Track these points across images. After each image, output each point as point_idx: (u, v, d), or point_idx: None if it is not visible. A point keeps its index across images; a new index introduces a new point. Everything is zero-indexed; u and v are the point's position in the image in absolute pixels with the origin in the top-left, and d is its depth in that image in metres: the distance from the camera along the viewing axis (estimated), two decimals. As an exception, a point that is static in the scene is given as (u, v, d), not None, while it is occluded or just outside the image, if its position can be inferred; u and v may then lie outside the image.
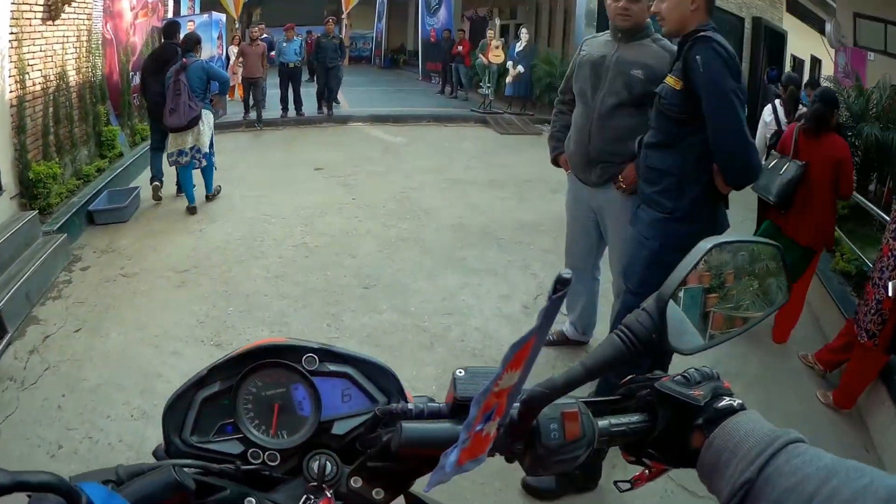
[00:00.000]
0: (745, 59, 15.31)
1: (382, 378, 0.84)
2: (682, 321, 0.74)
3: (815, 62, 18.59)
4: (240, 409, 0.81)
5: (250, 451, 0.80)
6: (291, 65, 11.26)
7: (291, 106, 11.61)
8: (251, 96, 11.03)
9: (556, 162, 3.54)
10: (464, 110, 13.23)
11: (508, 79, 13.07)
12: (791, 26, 16.86)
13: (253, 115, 11.14)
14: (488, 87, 13.26)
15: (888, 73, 7.84)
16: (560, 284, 0.51)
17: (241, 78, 11.24)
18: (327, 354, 0.84)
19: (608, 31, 3.19)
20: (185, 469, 0.71)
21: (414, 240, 5.70)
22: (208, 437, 0.81)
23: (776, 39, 16.08)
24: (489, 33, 13.65)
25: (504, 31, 15.06)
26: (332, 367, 0.83)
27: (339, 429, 0.82)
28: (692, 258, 0.71)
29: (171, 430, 0.81)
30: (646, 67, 2.96)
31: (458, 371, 0.73)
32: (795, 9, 17.29)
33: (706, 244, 0.73)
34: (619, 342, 0.68)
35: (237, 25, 16.29)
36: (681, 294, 0.74)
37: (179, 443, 0.80)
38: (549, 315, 0.52)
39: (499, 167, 8.67)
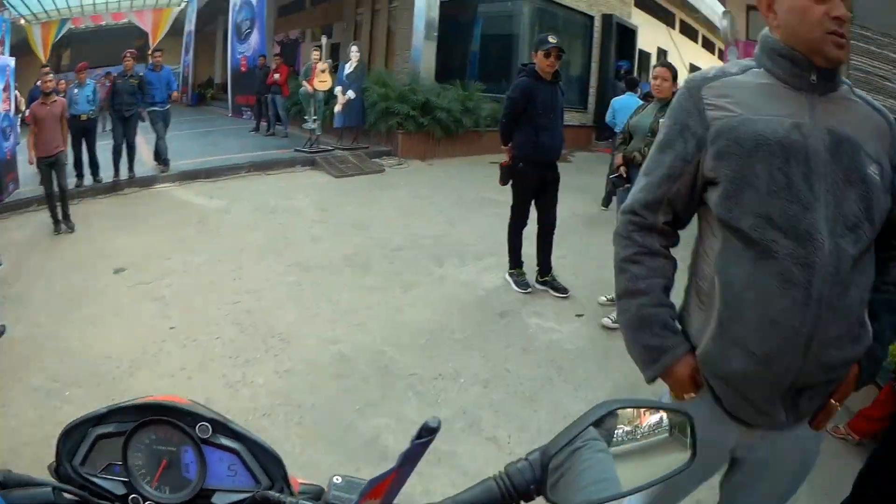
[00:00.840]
0: (594, 58, 14.74)
1: (270, 463, 0.83)
2: (584, 471, 0.71)
3: (661, 54, 19.17)
4: (130, 455, 0.81)
5: (132, 496, 0.81)
6: (84, 116, 8.13)
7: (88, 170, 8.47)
8: (52, 182, 6.71)
9: (663, 373, 1.51)
10: (287, 151, 10.89)
11: (337, 107, 10.94)
12: (640, 21, 16.89)
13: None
14: (314, 120, 11.07)
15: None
16: (426, 432, 0.55)
17: (34, 157, 6.84)
18: (221, 427, 0.83)
19: (753, 64, 1.45)
20: (67, 494, 0.76)
21: (283, 409, 3.38)
22: (96, 471, 0.82)
23: (627, 35, 15.74)
24: (314, 55, 11.34)
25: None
26: (224, 441, 0.83)
27: (218, 499, 0.82)
28: (588, 417, 0.72)
29: (63, 455, 0.82)
30: (876, 154, 1.37)
31: (335, 478, 0.78)
32: (644, 3, 17.39)
33: (607, 405, 0.74)
34: (495, 489, 0.68)
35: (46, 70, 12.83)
36: (581, 448, 0.71)
37: (69, 468, 0.81)
38: (409, 458, 0.57)
39: (351, 231, 6.66)
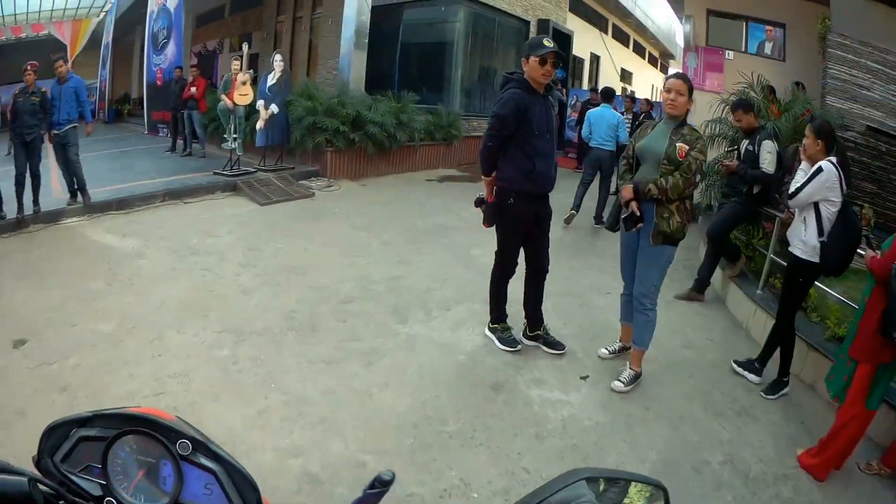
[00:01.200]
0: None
1: (246, 488, 0.86)
2: None
3: (595, 59, 18.88)
4: (110, 459, 0.84)
5: (107, 498, 0.83)
6: None
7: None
8: None
9: None
10: (206, 174, 9.66)
11: (259, 123, 9.85)
12: (575, 26, 16.45)
13: None
14: (234, 139, 9.88)
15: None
16: (379, 483, 0.57)
17: None
18: (202, 447, 0.86)
19: None
20: (43, 487, 0.78)
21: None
22: (75, 470, 0.85)
23: (562, 41, 15.09)
24: (234, 65, 10.07)
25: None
26: (203, 460, 0.86)
27: None
28: (554, 485, 0.72)
29: (46, 450, 0.85)
30: None
31: None
32: (578, 9, 16.96)
33: (574, 474, 0.74)
34: None
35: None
36: None
37: (50, 463, 0.85)
38: None
39: (287, 278, 5.60)
